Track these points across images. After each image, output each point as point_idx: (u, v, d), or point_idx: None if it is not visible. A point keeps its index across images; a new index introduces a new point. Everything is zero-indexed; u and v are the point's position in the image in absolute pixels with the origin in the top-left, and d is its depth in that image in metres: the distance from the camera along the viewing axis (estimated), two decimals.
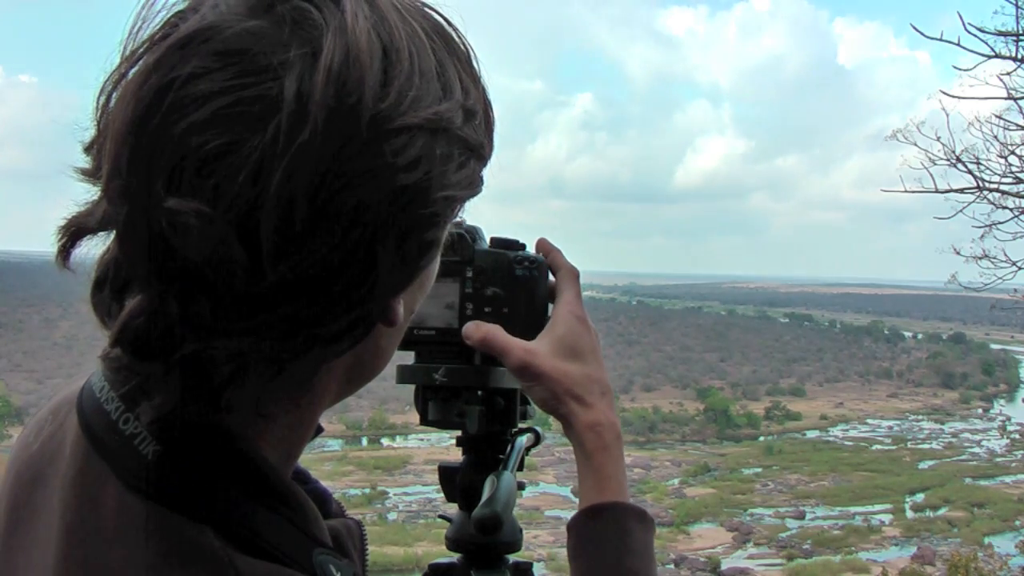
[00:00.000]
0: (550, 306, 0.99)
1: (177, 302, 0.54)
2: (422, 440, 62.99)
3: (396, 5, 0.59)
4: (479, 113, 0.63)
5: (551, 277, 0.99)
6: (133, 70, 0.55)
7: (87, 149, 0.58)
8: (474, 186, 0.64)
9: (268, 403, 0.62)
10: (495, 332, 0.92)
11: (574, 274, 0.97)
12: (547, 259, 0.99)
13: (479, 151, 0.63)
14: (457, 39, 0.64)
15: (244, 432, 0.62)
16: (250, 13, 0.54)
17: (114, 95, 0.55)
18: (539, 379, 0.91)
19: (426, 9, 0.63)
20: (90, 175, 0.57)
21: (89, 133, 0.58)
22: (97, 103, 0.57)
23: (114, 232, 0.55)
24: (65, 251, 0.57)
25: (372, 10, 0.57)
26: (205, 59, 0.53)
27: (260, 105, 0.52)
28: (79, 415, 0.65)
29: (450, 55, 0.62)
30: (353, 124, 0.53)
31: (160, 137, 0.52)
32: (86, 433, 0.63)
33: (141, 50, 0.55)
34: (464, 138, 0.60)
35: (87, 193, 0.57)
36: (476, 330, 0.94)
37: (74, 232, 0.57)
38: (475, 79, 0.64)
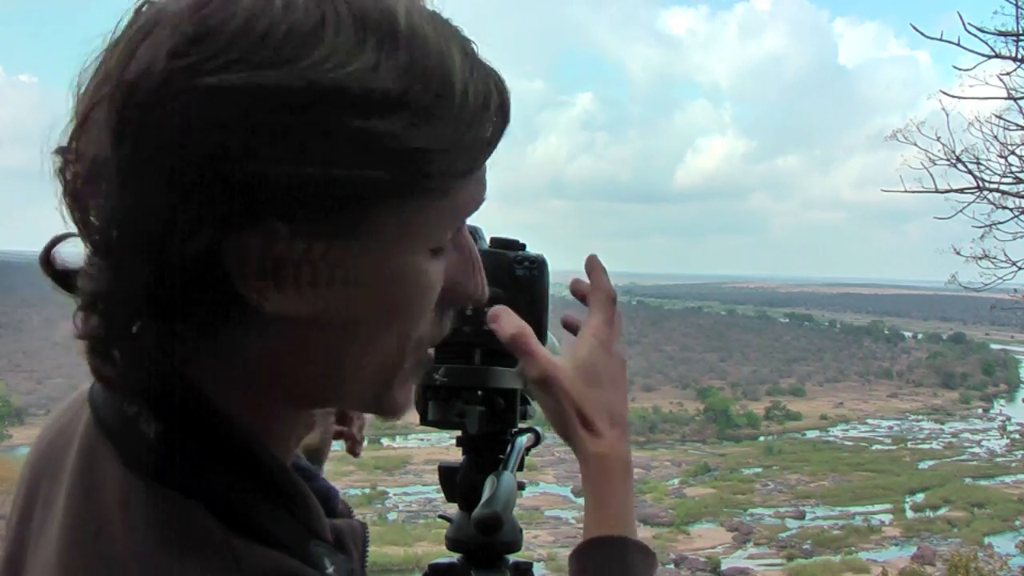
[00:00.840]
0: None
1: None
2: (422, 440, 62.97)
3: None
4: (385, 100, 0.56)
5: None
6: None
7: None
8: (366, 173, 0.56)
9: (216, 380, 0.62)
10: (527, 333, 0.89)
11: (608, 297, 0.94)
12: (589, 274, 0.96)
13: (372, 141, 0.55)
14: (378, 15, 0.57)
15: (232, 412, 0.62)
16: None
17: None
18: (555, 396, 0.89)
19: None
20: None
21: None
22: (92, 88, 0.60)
23: None
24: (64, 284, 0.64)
25: None
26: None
27: (111, 63, 0.57)
28: (90, 400, 0.66)
29: (363, 29, 0.56)
30: (144, 79, 0.53)
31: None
32: (95, 417, 0.65)
33: None
34: (339, 119, 0.54)
35: None
36: (507, 323, 0.89)
37: (57, 270, 0.64)
38: (397, 60, 0.56)
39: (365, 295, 0.61)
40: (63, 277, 0.61)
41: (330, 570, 0.65)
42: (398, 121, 0.56)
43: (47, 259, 0.61)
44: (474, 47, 0.62)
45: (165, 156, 0.52)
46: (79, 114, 0.56)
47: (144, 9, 0.55)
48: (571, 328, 0.98)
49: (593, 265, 0.97)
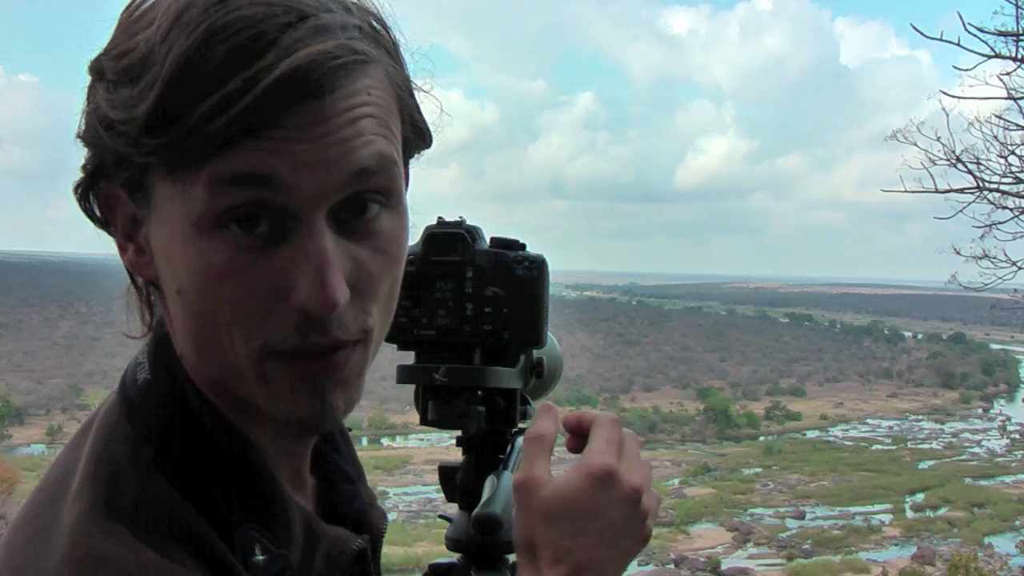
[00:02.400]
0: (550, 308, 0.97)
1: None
2: (422, 440, 63.06)
3: None
4: (123, 68, 0.62)
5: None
6: None
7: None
8: (106, 142, 0.63)
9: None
10: (543, 442, 0.81)
11: (608, 420, 0.82)
12: (579, 424, 0.85)
13: (110, 110, 0.62)
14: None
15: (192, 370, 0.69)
16: None
17: None
18: (520, 511, 0.80)
19: None
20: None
21: None
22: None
23: None
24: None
25: None
26: None
27: None
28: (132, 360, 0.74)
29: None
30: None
31: None
32: (125, 372, 0.73)
33: None
34: (93, 86, 0.65)
35: None
36: (536, 424, 0.83)
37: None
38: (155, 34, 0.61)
39: (165, 267, 0.65)
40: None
41: (259, 557, 0.65)
42: (110, 94, 0.62)
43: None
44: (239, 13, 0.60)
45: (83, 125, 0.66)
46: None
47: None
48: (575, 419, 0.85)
49: (581, 411, 0.86)
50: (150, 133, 0.59)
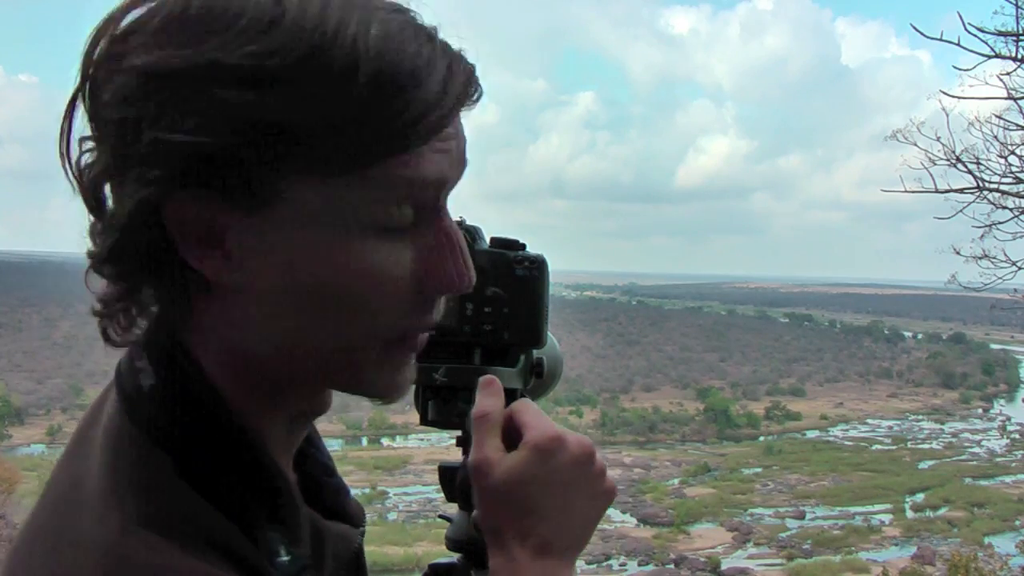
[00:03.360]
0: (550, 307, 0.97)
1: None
2: (422, 440, 63.00)
3: None
4: (278, 75, 0.58)
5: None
6: None
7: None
8: (224, 151, 0.59)
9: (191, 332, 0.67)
10: (488, 419, 0.79)
11: (522, 403, 0.82)
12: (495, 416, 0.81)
13: (271, 114, 0.59)
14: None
15: (220, 382, 0.66)
16: None
17: None
18: (479, 493, 0.78)
19: None
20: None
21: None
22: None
23: None
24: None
25: None
26: None
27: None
28: (118, 365, 0.70)
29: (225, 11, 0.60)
30: (85, 65, 0.62)
31: None
32: (115, 375, 0.69)
33: None
34: (197, 88, 0.58)
35: None
36: (481, 400, 0.81)
37: None
38: (268, 39, 0.59)
39: (290, 269, 0.63)
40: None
41: (284, 558, 0.66)
42: (280, 97, 0.58)
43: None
44: (412, 24, 0.62)
45: (110, 127, 0.61)
46: (71, 98, 0.64)
47: (115, 7, 0.62)
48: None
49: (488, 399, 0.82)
50: (327, 136, 0.60)
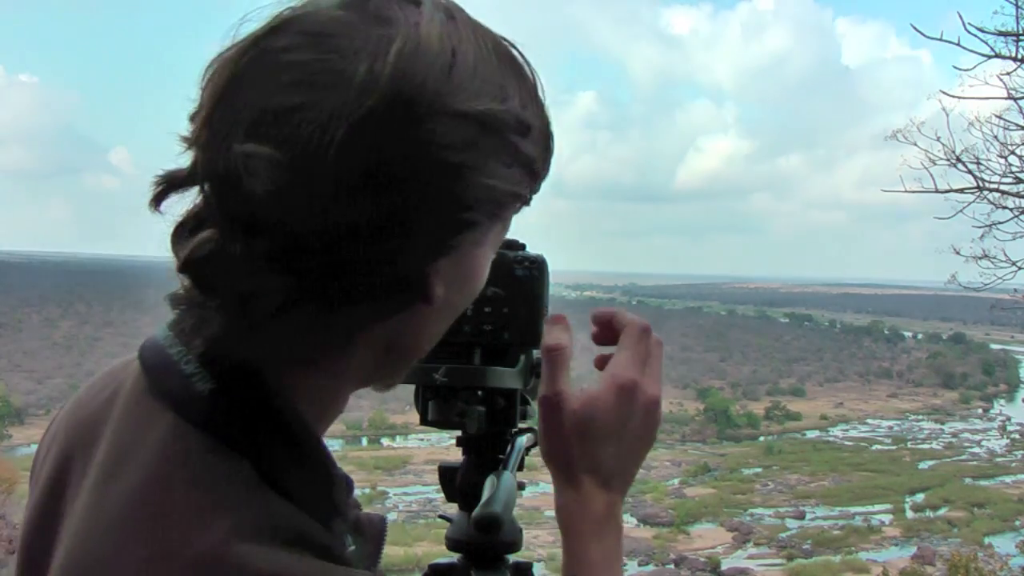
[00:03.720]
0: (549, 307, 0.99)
1: (240, 239, 0.61)
2: (422, 440, 62.92)
3: (472, 24, 0.68)
4: (535, 131, 0.69)
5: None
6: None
7: (191, 118, 0.65)
8: (518, 189, 0.69)
9: (308, 350, 0.67)
10: (563, 351, 0.84)
11: (639, 329, 0.84)
12: (611, 322, 0.86)
13: (529, 163, 0.69)
14: (525, 67, 0.71)
15: (284, 381, 0.67)
16: (340, 6, 0.64)
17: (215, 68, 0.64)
18: (549, 426, 0.83)
19: (500, 38, 0.70)
20: (190, 141, 0.64)
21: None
22: (202, 77, 0.64)
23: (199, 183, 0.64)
24: (158, 198, 0.66)
25: (448, 20, 0.65)
26: (295, 37, 0.62)
27: (336, 76, 0.60)
28: (141, 361, 0.71)
29: (514, 76, 0.68)
30: (413, 102, 0.61)
31: (248, 95, 0.61)
32: (148, 375, 0.69)
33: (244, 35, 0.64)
34: (513, 143, 0.66)
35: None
36: (551, 334, 0.85)
37: (168, 181, 0.65)
38: (538, 104, 0.71)
39: (467, 286, 0.73)
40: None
41: (352, 548, 0.69)
42: (534, 147, 0.70)
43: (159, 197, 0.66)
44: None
45: (431, 166, 0.62)
46: (318, 123, 0.59)
47: (408, 34, 0.63)
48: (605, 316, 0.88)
49: (615, 310, 0.88)
50: (539, 180, 0.72)
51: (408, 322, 0.69)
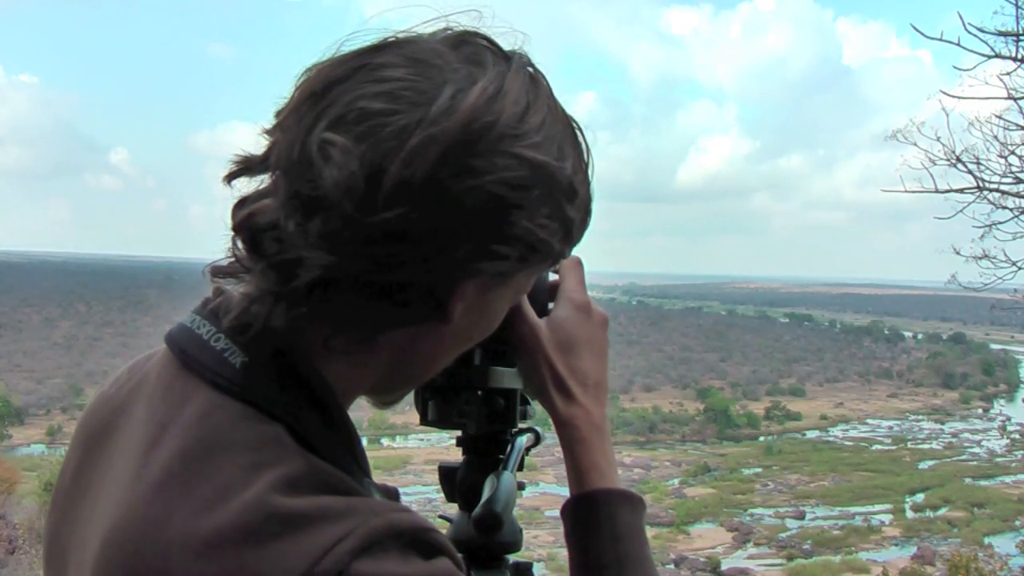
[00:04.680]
0: (550, 305, 1.01)
1: (298, 215, 0.66)
2: (422, 440, 63.00)
3: (549, 92, 0.75)
4: (580, 199, 0.75)
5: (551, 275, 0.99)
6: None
7: (277, 113, 0.71)
8: (552, 242, 0.73)
9: (334, 336, 0.72)
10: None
11: (574, 261, 0.97)
12: None
13: (568, 224, 0.74)
14: (583, 145, 0.77)
15: (313, 359, 0.72)
16: (441, 42, 0.71)
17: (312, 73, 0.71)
18: (532, 357, 0.93)
19: (570, 116, 0.77)
20: (272, 130, 0.71)
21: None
22: (297, 80, 0.70)
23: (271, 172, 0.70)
24: (232, 176, 0.72)
25: (531, 80, 0.73)
26: (395, 57, 0.69)
27: (421, 95, 0.66)
28: (169, 344, 0.75)
29: (572, 146, 0.75)
30: (482, 134, 0.67)
31: (338, 96, 0.67)
32: (178, 355, 0.74)
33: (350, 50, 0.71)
34: (559, 199, 0.72)
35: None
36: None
37: (245, 163, 0.72)
38: (587, 179, 0.77)
39: (484, 319, 0.79)
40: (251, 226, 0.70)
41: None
42: (576, 213, 0.75)
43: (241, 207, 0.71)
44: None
45: (471, 193, 0.67)
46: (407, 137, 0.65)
47: (493, 78, 0.70)
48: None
49: None
50: (574, 243, 0.78)
51: (424, 338, 0.75)
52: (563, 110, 0.76)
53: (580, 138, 0.77)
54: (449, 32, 0.72)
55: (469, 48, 0.71)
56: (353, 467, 0.72)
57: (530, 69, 0.74)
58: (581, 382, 0.92)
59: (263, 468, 0.65)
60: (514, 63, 0.72)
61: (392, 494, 0.79)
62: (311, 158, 0.65)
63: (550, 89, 0.75)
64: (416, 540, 0.65)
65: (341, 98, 0.66)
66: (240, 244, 0.70)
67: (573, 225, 0.75)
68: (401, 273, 0.67)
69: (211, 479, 0.65)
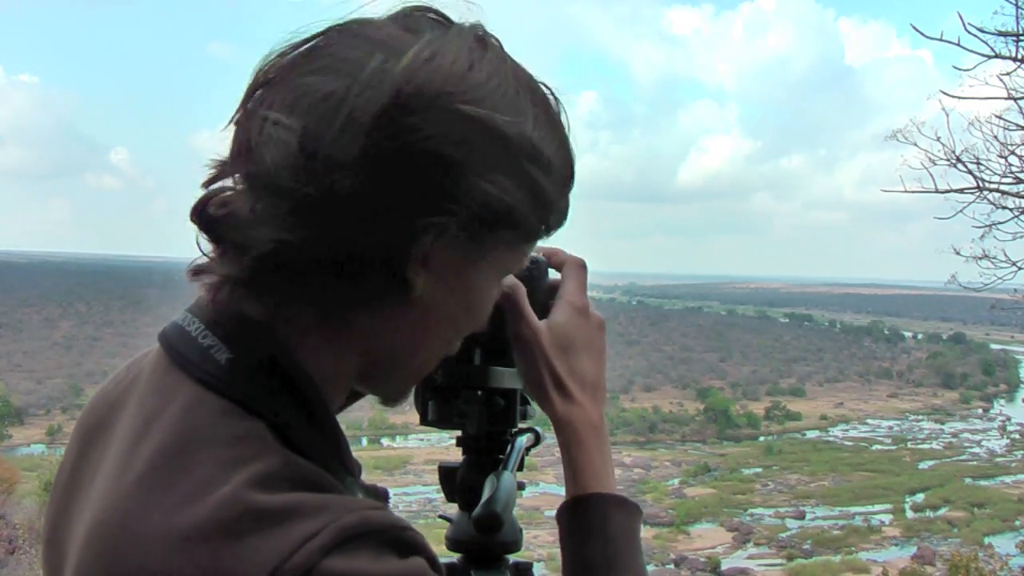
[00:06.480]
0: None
1: (247, 197, 0.68)
2: (422, 440, 62.99)
3: (504, 56, 0.74)
4: (554, 168, 0.74)
5: (554, 273, 0.99)
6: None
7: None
8: (520, 207, 0.72)
9: (304, 320, 0.73)
10: (520, 292, 0.93)
11: (577, 263, 0.97)
12: (550, 260, 0.98)
13: (538, 191, 0.73)
14: (555, 111, 0.76)
15: (295, 351, 0.72)
16: (385, 19, 0.73)
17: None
18: (530, 357, 0.92)
19: (536, 81, 0.76)
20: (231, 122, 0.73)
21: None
22: (252, 73, 0.73)
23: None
24: (209, 182, 0.73)
25: (476, 43, 0.72)
26: (338, 37, 0.71)
27: (355, 66, 0.68)
28: (161, 341, 0.76)
29: (536, 108, 0.74)
30: (414, 96, 0.67)
31: (278, 80, 0.70)
32: (168, 352, 0.75)
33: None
34: (520, 161, 0.71)
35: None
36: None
37: (218, 166, 0.73)
38: (564, 149, 0.76)
39: (463, 300, 0.77)
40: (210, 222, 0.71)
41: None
42: (548, 180, 0.74)
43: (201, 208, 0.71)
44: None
45: (409, 153, 0.67)
46: (337, 111, 0.67)
47: (430, 42, 0.70)
48: (545, 253, 1.00)
49: (547, 249, 0.99)
50: (557, 217, 0.77)
51: (399, 320, 0.74)
52: (525, 73, 0.75)
53: (550, 102, 0.76)
54: (397, 10, 0.74)
55: (409, 19, 0.72)
56: (336, 465, 0.72)
57: (479, 32, 0.73)
58: (579, 382, 0.93)
59: (240, 464, 0.65)
60: (456, 27, 0.72)
61: (380, 494, 0.78)
62: (253, 140, 0.67)
63: (504, 52, 0.74)
64: (391, 538, 0.65)
65: (280, 82, 0.69)
66: (202, 237, 0.72)
67: (544, 192, 0.73)
68: (350, 244, 0.68)
69: (190, 474, 0.65)
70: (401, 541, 0.65)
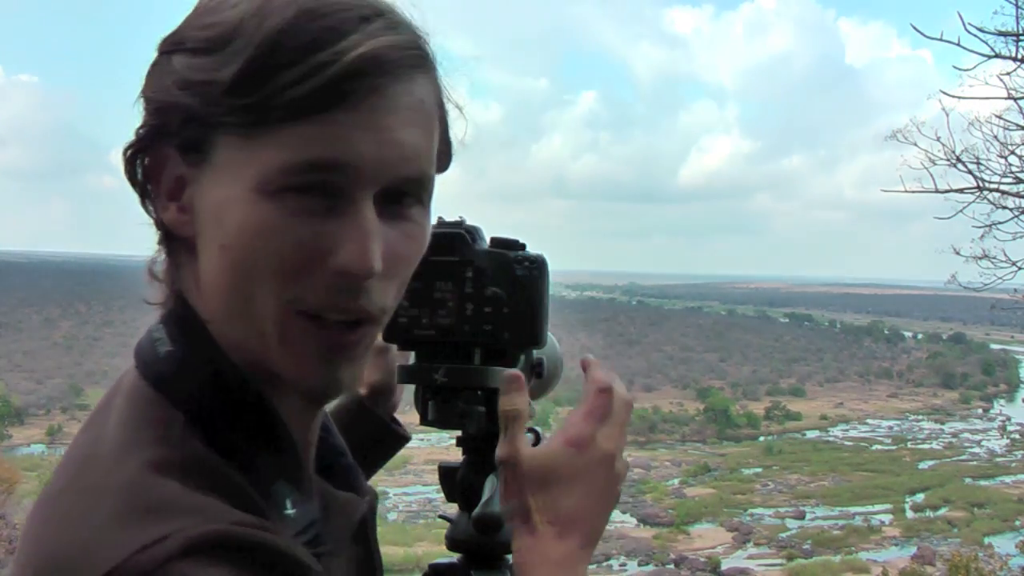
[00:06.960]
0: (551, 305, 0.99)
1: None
2: (422, 440, 62.82)
3: None
4: (214, 41, 0.68)
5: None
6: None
7: None
8: (179, 99, 0.69)
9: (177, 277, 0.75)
10: (520, 417, 0.87)
11: (597, 387, 0.88)
12: (585, 368, 0.91)
13: (191, 79, 0.68)
14: None
15: (215, 330, 0.72)
16: None
17: None
18: (509, 480, 0.86)
19: None
20: None
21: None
22: None
23: None
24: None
25: None
26: None
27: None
28: (140, 340, 0.77)
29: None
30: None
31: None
32: (136, 348, 0.76)
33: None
34: (167, 57, 0.71)
35: None
36: (508, 399, 0.87)
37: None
38: (255, 13, 0.67)
39: (219, 224, 0.69)
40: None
41: (291, 511, 0.71)
42: (210, 61, 0.68)
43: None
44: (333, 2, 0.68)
45: (154, 84, 0.72)
46: None
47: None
48: (584, 365, 0.92)
49: (590, 361, 0.91)
50: (233, 94, 0.66)
51: (193, 264, 0.73)
52: None
53: None
54: None
55: None
56: (263, 468, 0.71)
57: None
58: (551, 517, 0.83)
59: (140, 448, 0.66)
60: None
61: (349, 506, 0.80)
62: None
63: None
64: (247, 558, 0.61)
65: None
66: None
67: (237, 57, 0.66)
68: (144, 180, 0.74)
69: (95, 459, 0.67)
70: (260, 564, 0.62)
